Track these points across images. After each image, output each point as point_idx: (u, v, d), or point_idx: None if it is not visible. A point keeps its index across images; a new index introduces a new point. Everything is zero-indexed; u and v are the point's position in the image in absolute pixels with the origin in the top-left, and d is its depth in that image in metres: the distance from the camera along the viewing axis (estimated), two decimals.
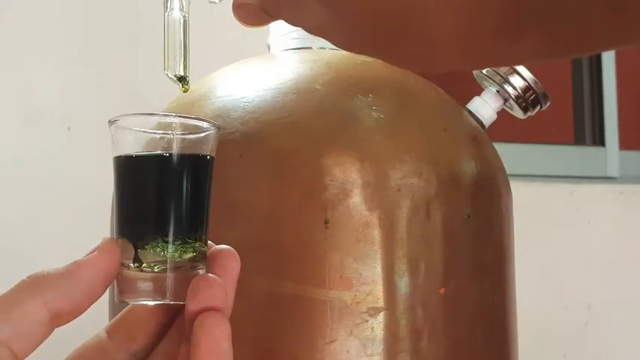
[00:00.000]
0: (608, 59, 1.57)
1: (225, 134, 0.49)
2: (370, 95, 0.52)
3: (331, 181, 0.47)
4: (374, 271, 0.47)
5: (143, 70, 1.00)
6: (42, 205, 0.97)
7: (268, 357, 0.46)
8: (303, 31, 0.55)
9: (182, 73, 0.43)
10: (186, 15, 0.43)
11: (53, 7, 1.00)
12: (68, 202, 0.98)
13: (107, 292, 0.34)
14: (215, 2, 0.49)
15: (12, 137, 0.97)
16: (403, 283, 0.48)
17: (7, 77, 0.98)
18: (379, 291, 0.47)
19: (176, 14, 0.42)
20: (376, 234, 0.47)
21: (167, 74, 0.43)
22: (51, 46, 1.00)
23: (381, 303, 0.47)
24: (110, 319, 0.56)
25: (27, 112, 0.98)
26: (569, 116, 1.62)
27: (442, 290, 0.49)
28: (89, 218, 0.92)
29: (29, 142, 0.98)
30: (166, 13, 0.43)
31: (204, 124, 0.34)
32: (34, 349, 0.30)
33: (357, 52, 0.37)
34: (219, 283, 0.32)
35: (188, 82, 0.43)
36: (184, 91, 0.43)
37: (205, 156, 0.34)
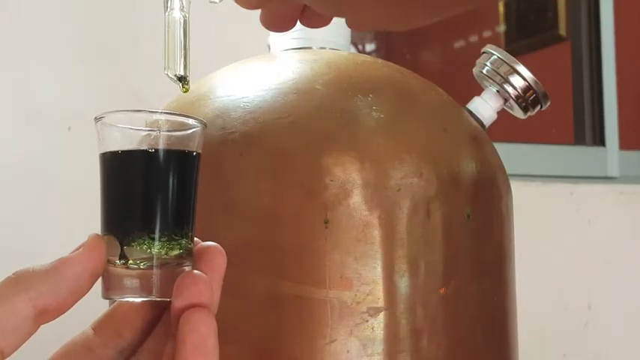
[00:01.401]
0: (608, 59, 1.57)
1: (225, 134, 0.49)
2: (370, 95, 0.51)
3: (331, 181, 0.47)
4: (374, 271, 0.47)
5: (143, 70, 1.00)
6: (42, 205, 0.97)
7: (268, 357, 0.46)
8: (304, 31, 0.55)
9: (182, 73, 0.43)
10: (187, 15, 0.43)
11: (53, 7, 1.00)
12: (68, 202, 0.98)
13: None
14: (215, 2, 0.49)
15: (12, 137, 0.97)
16: (403, 283, 0.48)
17: (7, 77, 0.98)
18: (379, 291, 0.47)
19: (176, 14, 0.42)
20: (376, 234, 0.47)
21: (167, 74, 0.43)
22: (51, 46, 1.00)
23: (381, 303, 0.47)
24: None
25: (27, 112, 0.98)
26: (569, 116, 1.62)
27: (442, 290, 0.49)
28: (89, 218, 0.91)
29: (29, 142, 0.98)
30: (166, 13, 0.43)
31: (191, 121, 0.34)
32: (20, 346, 0.30)
33: (325, 12, 0.37)
34: (205, 280, 0.32)
35: (188, 82, 0.43)
36: (185, 91, 0.44)
37: (192, 153, 0.34)
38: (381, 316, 0.47)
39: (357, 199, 0.47)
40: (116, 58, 1.03)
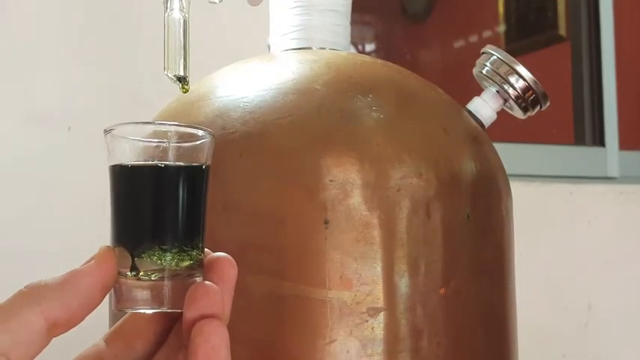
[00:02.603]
0: (608, 59, 1.57)
1: (225, 134, 0.49)
2: (370, 95, 0.52)
3: (331, 181, 0.47)
4: (374, 272, 0.47)
5: (143, 70, 1.01)
6: (42, 205, 0.97)
7: (268, 357, 0.46)
8: (304, 31, 0.55)
9: (182, 74, 0.43)
10: (186, 15, 0.43)
11: (53, 7, 1.00)
12: (68, 202, 0.98)
13: (107, 299, 0.34)
14: (215, 2, 0.49)
15: (12, 137, 0.97)
16: (403, 283, 0.48)
17: (8, 77, 0.98)
18: (379, 291, 0.47)
19: (176, 14, 0.42)
20: (376, 234, 0.47)
21: (167, 74, 0.43)
22: (51, 46, 1.00)
23: (381, 303, 0.47)
24: (110, 321, 0.56)
25: (27, 112, 0.98)
26: (569, 116, 1.62)
27: (442, 290, 0.49)
28: (89, 218, 0.92)
29: (29, 142, 0.98)
30: (166, 14, 0.43)
31: (200, 132, 0.34)
32: (33, 359, 0.30)
33: None
34: (216, 291, 0.32)
35: (188, 83, 0.43)
36: (184, 92, 0.44)
37: (201, 164, 0.34)
38: (381, 316, 0.47)
39: (356, 199, 0.47)
40: (116, 58, 1.03)
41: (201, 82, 0.56)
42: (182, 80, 0.43)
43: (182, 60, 0.42)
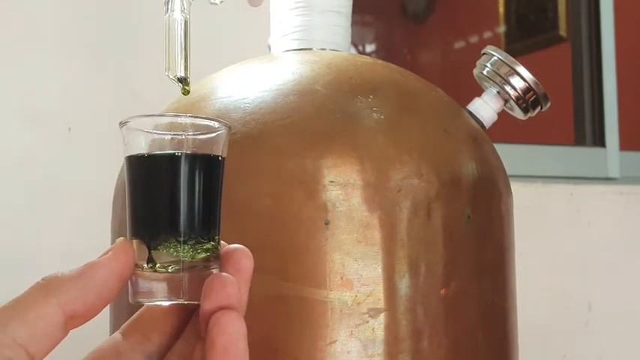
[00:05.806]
0: (608, 59, 1.57)
1: None
2: (371, 96, 0.52)
3: (332, 181, 0.47)
4: (374, 272, 0.47)
5: (143, 70, 1.00)
6: (42, 205, 0.97)
7: (269, 358, 0.47)
8: (304, 32, 0.55)
9: (183, 75, 0.43)
10: (187, 16, 0.43)
11: (53, 7, 1.00)
12: (68, 202, 0.98)
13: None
14: (216, 3, 0.49)
15: (12, 137, 0.97)
16: (404, 284, 0.48)
17: (7, 77, 0.98)
18: (380, 292, 0.47)
19: (177, 15, 0.42)
20: (377, 235, 0.47)
21: (168, 75, 0.43)
22: (51, 45, 1.00)
23: (381, 304, 0.47)
24: (111, 320, 0.56)
25: (27, 112, 0.98)
26: (569, 116, 1.62)
27: (443, 291, 0.49)
28: (89, 218, 0.92)
29: (29, 142, 0.98)
30: (167, 15, 0.43)
31: (215, 124, 0.34)
32: (50, 352, 0.30)
33: None
34: (233, 282, 0.32)
35: (189, 84, 0.43)
36: (185, 93, 0.44)
37: (217, 156, 0.34)
38: (382, 317, 0.47)
39: (357, 199, 0.47)
40: (117, 59, 1.03)
41: (201, 83, 0.56)
42: (183, 81, 0.43)
43: (183, 61, 0.42)
